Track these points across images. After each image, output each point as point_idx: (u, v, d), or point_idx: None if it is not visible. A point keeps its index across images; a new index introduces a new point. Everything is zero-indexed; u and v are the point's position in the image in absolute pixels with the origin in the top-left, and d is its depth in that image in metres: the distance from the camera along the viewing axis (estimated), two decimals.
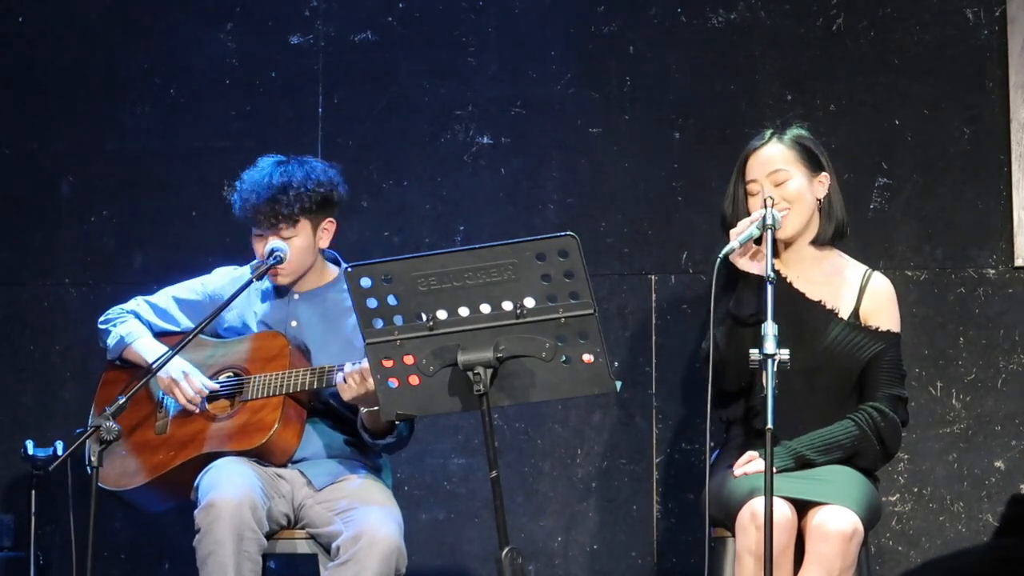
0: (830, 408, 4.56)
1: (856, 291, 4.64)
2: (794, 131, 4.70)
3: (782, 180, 4.61)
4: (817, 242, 4.67)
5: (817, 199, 4.65)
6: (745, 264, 4.55)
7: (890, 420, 4.54)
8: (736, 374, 4.56)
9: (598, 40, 5.67)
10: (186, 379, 4.74)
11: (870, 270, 4.69)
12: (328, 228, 4.86)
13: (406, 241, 5.68)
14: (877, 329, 4.60)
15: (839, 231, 4.68)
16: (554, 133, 5.69)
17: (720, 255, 4.43)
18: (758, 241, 4.53)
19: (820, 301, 4.63)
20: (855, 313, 4.62)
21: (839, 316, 4.61)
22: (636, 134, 5.64)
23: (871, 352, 4.57)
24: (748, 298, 4.57)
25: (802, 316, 4.57)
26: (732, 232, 4.51)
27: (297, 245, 4.81)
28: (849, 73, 5.56)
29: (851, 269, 4.70)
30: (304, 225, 4.80)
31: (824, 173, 4.66)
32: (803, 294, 4.63)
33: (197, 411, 4.77)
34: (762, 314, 4.49)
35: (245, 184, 4.82)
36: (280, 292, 4.91)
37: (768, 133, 4.69)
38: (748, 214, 4.60)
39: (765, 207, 4.46)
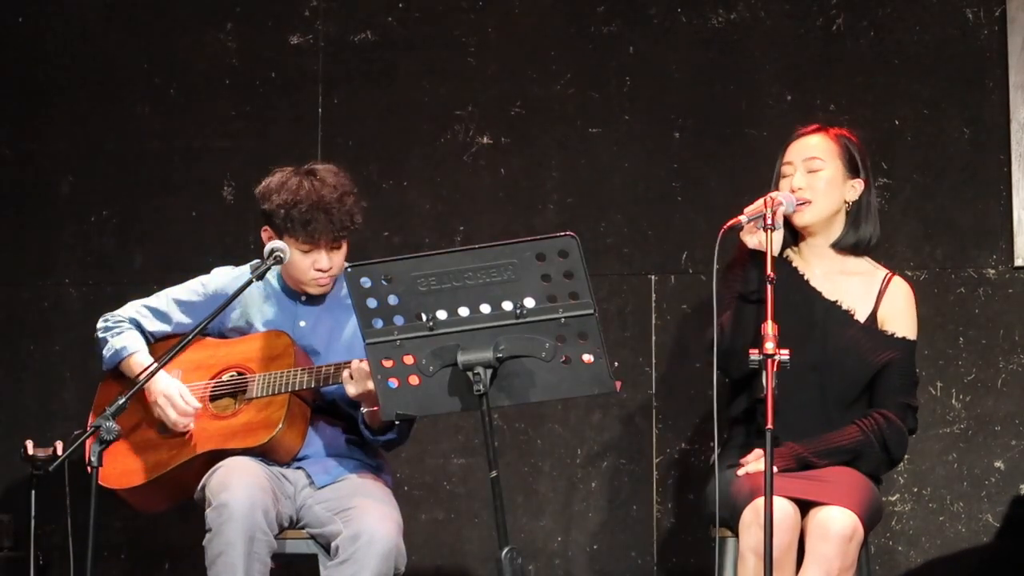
0: (836, 408, 4.54)
1: (875, 294, 4.61)
2: (843, 130, 4.68)
3: (815, 168, 4.59)
4: (837, 247, 4.63)
5: (845, 200, 4.62)
6: (750, 240, 4.52)
7: (896, 428, 4.51)
8: (741, 359, 4.54)
9: (598, 40, 5.67)
10: (170, 405, 4.73)
11: (891, 274, 4.66)
12: None
13: (406, 241, 5.68)
14: (893, 335, 4.57)
15: (863, 244, 4.62)
16: (554, 133, 5.69)
17: (723, 228, 4.36)
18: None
19: (836, 301, 4.59)
20: (872, 316, 4.59)
21: (855, 318, 4.58)
22: (636, 134, 5.65)
23: (884, 358, 4.54)
24: (752, 276, 4.55)
25: (815, 315, 4.55)
26: (746, 209, 4.47)
27: (344, 255, 4.80)
28: (849, 73, 5.56)
29: (871, 271, 4.66)
30: None
31: (860, 179, 4.63)
32: (819, 293, 4.61)
33: (208, 402, 4.77)
34: (763, 292, 4.49)
35: (301, 204, 4.71)
36: (287, 294, 4.91)
37: (816, 124, 4.68)
38: None
39: (766, 206, 4.44)
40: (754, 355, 4.16)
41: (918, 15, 5.54)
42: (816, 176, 4.59)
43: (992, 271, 5.46)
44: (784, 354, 4.15)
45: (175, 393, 4.73)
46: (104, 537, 5.61)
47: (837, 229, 4.64)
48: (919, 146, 5.52)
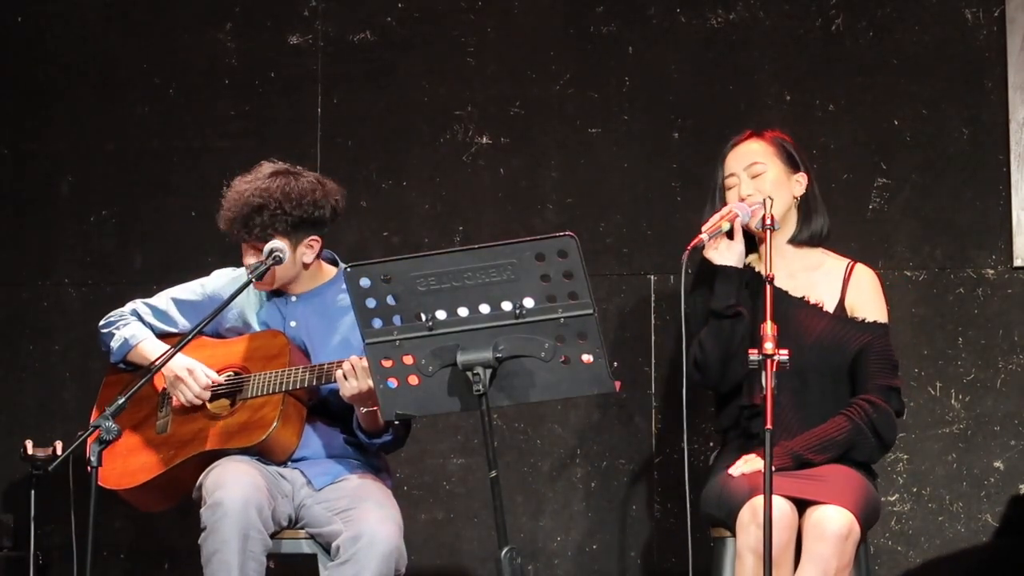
0: (823, 404, 4.57)
1: (839, 284, 4.67)
2: (774, 131, 4.77)
3: (759, 172, 4.67)
4: (794, 241, 4.70)
5: (794, 196, 4.69)
6: (714, 256, 4.59)
7: (883, 411, 4.54)
8: (723, 372, 4.58)
9: (598, 40, 5.67)
10: (191, 375, 4.75)
11: (852, 262, 4.72)
12: (312, 245, 4.79)
13: (406, 241, 5.68)
14: (863, 321, 4.61)
15: (816, 235, 4.71)
16: (554, 133, 5.69)
17: (687, 249, 4.46)
18: (730, 235, 4.56)
19: (803, 297, 4.65)
20: (840, 306, 4.63)
21: (824, 310, 4.62)
22: (635, 134, 5.65)
23: (859, 344, 4.58)
24: (721, 291, 4.59)
25: (787, 314, 4.58)
26: (703, 227, 4.57)
27: (260, 257, 4.76)
28: (849, 73, 5.56)
29: (833, 262, 4.73)
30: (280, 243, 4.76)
31: (802, 172, 4.70)
32: (786, 292, 4.64)
33: (206, 402, 4.77)
34: (738, 305, 4.53)
35: (230, 192, 4.79)
36: (278, 293, 4.91)
37: (748, 131, 4.76)
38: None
39: (764, 206, 4.49)
40: (753, 355, 4.18)
41: (917, 15, 5.54)
42: (761, 179, 4.67)
43: (991, 271, 5.46)
44: (783, 354, 4.17)
45: (196, 366, 4.75)
46: (104, 537, 5.61)
47: (792, 225, 4.71)
48: (918, 146, 5.52)
